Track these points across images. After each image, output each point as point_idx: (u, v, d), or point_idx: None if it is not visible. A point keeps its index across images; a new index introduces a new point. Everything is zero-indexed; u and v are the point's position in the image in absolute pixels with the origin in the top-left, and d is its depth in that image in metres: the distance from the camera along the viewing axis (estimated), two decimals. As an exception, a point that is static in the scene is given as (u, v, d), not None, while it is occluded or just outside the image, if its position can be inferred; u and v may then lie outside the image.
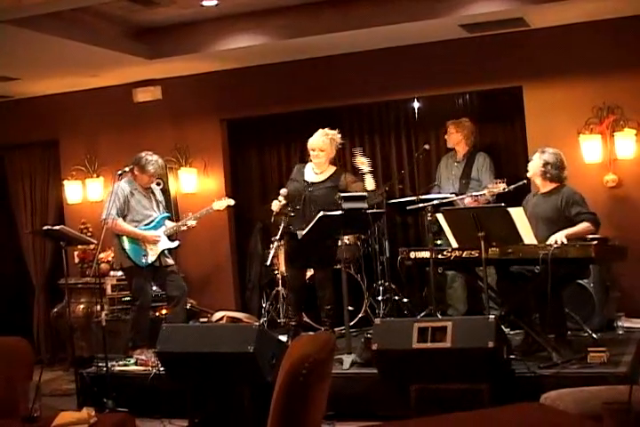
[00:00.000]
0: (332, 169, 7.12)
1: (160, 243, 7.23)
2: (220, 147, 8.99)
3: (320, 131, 7.04)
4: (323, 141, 6.98)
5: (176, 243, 7.42)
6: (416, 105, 8.72)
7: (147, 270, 7.19)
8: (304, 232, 6.64)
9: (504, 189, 6.60)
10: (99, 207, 8.02)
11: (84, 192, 9.25)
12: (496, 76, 7.92)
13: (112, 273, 8.27)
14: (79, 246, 8.51)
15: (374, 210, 7.01)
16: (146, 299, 7.24)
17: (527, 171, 6.55)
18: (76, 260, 8.70)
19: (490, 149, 8.19)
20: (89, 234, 8.33)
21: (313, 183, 7.06)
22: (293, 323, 7.23)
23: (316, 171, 7.10)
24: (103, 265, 8.22)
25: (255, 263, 8.88)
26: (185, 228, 7.41)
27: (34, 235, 9.28)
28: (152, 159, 7.21)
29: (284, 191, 7.00)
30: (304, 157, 7.46)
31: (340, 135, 7.07)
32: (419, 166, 8.37)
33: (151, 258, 7.17)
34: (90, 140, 9.26)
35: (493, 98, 8.36)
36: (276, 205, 6.95)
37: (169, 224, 7.39)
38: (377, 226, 7.89)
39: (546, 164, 6.41)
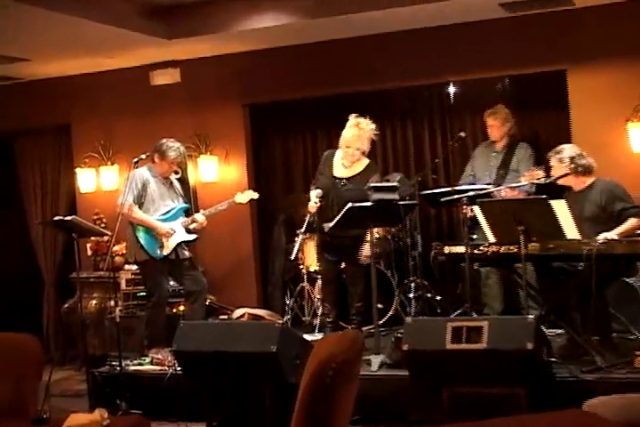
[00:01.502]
0: (364, 163, 7.08)
1: (176, 235, 7.23)
2: (242, 133, 8.99)
3: (353, 122, 6.97)
4: (360, 140, 6.94)
5: (193, 236, 7.43)
6: (451, 90, 8.67)
7: (163, 264, 7.21)
8: (331, 224, 6.64)
9: (545, 180, 6.55)
10: (113, 197, 8.06)
11: (98, 181, 9.28)
12: (537, 59, 7.85)
13: (127, 267, 8.29)
14: (92, 238, 8.55)
15: (406, 201, 6.99)
16: (162, 294, 7.26)
17: (554, 182, 6.50)
18: (89, 252, 8.73)
19: (530, 139, 8.12)
20: (102, 225, 8.36)
21: (341, 179, 7.03)
22: (330, 319, 7.21)
23: (345, 163, 7.07)
24: (117, 258, 8.25)
25: (279, 257, 8.89)
26: (196, 225, 7.40)
27: (44, 226, 9.33)
28: (173, 145, 7.23)
29: (318, 193, 6.98)
30: (331, 145, 7.44)
31: (373, 125, 7.02)
32: (454, 155, 8.34)
33: (166, 250, 7.18)
34: (104, 125, 9.29)
35: (534, 83, 8.27)
36: (314, 209, 6.95)
37: (199, 217, 7.38)
38: (409, 219, 7.87)
39: (572, 158, 6.37)
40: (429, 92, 8.83)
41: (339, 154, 7.13)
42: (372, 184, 6.61)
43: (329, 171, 7.11)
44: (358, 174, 7.03)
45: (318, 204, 6.91)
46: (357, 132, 6.92)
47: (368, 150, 7.07)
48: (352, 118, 7.00)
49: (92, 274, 8.64)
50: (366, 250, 7.08)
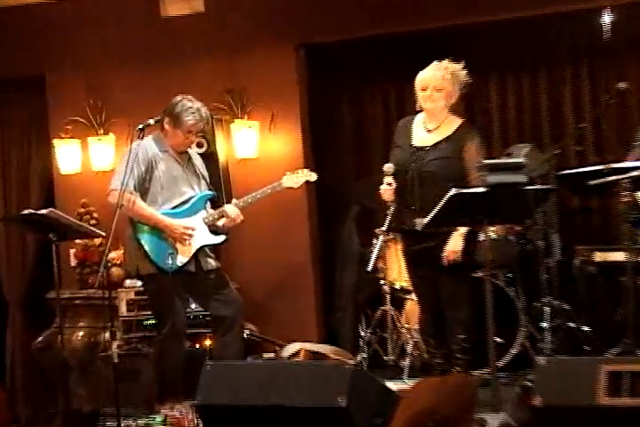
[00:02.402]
0: (455, 123, 7.03)
1: (196, 237, 7.24)
2: (294, 88, 9.02)
3: (435, 62, 6.96)
4: (440, 76, 6.91)
5: (222, 237, 7.43)
6: (606, 20, 8.58)
7: (177, 279, 7.21)
8: (426, 220, 6.57)
9: None
10: (107, 181, 8.06)
11: (86, 157, 9.36)
12: None
13: (128, 282, 8.35)
14: (78, 241, 8.60)
15: (537, 186, 6.93)
16: (178, 322, 7.26)
17: None
18: (73, 262, 8.80)
19: None
20: (93, 222, 8.44)
21: (423, 149, 6.97)
22: (438, 360, 7.18)
23: (428, 126, 7.03)
24: (115, 270, 8.30)
25: (349, 268, 8.93)
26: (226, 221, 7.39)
27: (7, 223, 9.41)
28: (192, 106, 7.22)
29: (388, 167, 6.92)
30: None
31: (465, 71, 6.96)
32: (609, 117, 8.24)
33: (182, 259, 7.18)
34: (94, 76, 9.37)
35: None
36: (387, 193, 6.90)
37: (230, 210, 7.36)
38: (541, 211, 7.81)
39: None
40: (572, 25, 8.77)
41: (419, 117, 7.09)
42: (487, 161, 6.53)
43: (407, 141, 7.06)
44: (447, 139, 6.95)
45: (393, 185, 6.85)
46: (437, 70, 6.90)
47: (455, 100, 6.98)
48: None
49: (78, 293, 8.71)
50: (451, 244, 6.94)
